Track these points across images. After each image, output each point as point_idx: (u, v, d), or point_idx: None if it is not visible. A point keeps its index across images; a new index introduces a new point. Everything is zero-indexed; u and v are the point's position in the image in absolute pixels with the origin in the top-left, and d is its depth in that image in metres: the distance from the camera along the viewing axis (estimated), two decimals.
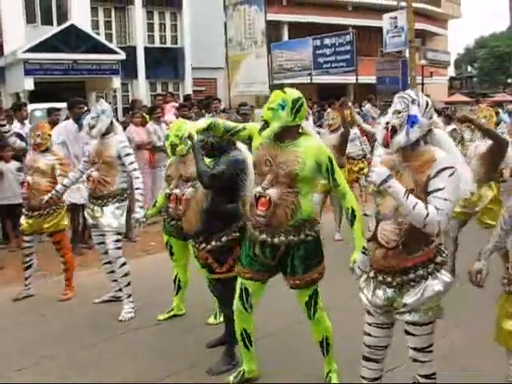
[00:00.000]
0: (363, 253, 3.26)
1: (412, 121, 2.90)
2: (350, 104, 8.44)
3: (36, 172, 5.74)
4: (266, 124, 3.52)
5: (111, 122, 5.36)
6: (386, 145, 2.92)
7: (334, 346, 3.83)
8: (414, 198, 2.77)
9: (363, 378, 3.27)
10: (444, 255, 3.03)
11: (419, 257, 2.93)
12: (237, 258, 3.95)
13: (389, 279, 2.96)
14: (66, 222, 5.96)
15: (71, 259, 6.04)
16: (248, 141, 3.80)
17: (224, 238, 4.03)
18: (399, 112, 2.91)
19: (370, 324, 3.14)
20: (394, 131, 2.90)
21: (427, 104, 2.95)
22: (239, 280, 3.78)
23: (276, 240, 3.54)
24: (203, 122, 3.78)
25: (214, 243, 4.06)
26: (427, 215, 2.73)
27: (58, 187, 5.62)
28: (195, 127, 3.77)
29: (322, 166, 3.49)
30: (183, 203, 4.13)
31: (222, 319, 4.80)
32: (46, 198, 5.61)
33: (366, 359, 3.21)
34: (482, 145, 5.65)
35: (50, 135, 5.86)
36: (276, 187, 3.49)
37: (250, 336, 3.85)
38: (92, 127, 5.27)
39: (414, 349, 3.04)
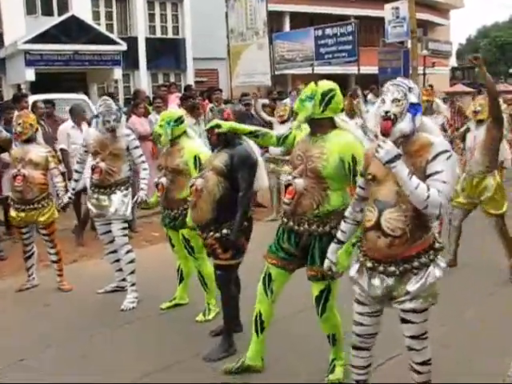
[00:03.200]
0: (336, 242, 3.31)
1: (415, 109, 2.93)
2: (359, 93, 8.56)
3: (29, 164, 5.61)
4: (297, 116, 3.59)
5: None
6: (387, 134, 2.90)
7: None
8: (417, 179, 2.80)
9: (354, 367, 3.31)
10: (440, 241, 3.07)
11: (422, 244, 2.95)
12: (242, 247, 4.06)
13: (391, 268, 2.96)
14: (57, 214, 5.92)
15: (60, 250, 6.02)
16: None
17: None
18: (399, 100, 2.91)
19: (361, 313, 3.16)
20: (394, 120, 2.90)
21: (419, 92, 3.02)
22: (266, 265, 3.81)
23: (301, 228, 3.58)
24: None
25: (224, 231, 4.12)
26: (428, 196, 2.78)
27: (73, 185, 5.59)
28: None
29: (344, 163, 3.47)
30: (194, 193, 4.14)
31: (210, 317, 4.92)
32: (65, 200, 5.55)
33: (358, 348, 3.25)
34: (480, 134, 5.65)
35: (31, 125, 5.64)
36: (305, 178, 3.53)
37: (263, 322, 3.85)
38: (108, 123, 5.26)
39: (412, 337, 3.06)
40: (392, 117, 2.90)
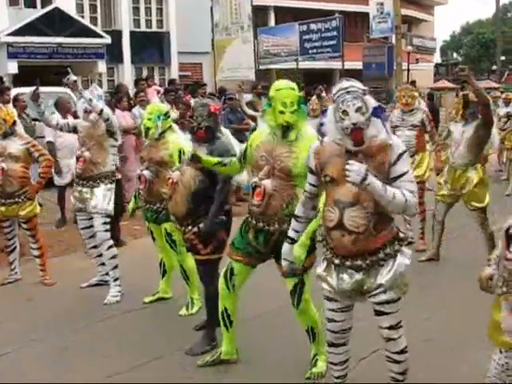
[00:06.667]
0: (289, 242, 3.34)
1: (379, 110, 2.94)
2: (323, 95, 8.57)
3: (9, 158, 5.55)
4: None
5: None
6: (360, 144, 2.88)
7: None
8: (390, 187, 2.85)
9: (333, 364, 3.35)
10: (402, 230, 3.13)
11: (386, 235, 3.00)
12: (222, 241, 4.08)
13: (358, 262, 3.00)
14: (38, 209, 5.88)
15: (44, 244, 6.00)
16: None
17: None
18: (361, 108, 2.88)
19: (333, 310, 3.19)
20: (363, 128, 2.88)
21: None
22: (228, 260, 3.84)
23: (271, 228, 3.60)
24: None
25: (201, 225, 4.12)
26: (406, 201, 2.85)
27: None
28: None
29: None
30: (170, 186, 4.15)
31: (193, 311, 4.93)
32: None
33: (334, 345, 3.28)
34: (469, 130, 5.71)
35: (5, 120, 5.54)
36: (273, 179, 3.53)
37: (230, 316, 3.89)
38: (89, 112, 5.26)
39: (389, 327, 3.09)
40: (362, 126, 2.87)
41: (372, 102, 2.94)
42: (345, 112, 2.87)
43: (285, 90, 3.56)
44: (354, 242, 2.94)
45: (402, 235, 3.09)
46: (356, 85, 2.95)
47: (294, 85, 3.64)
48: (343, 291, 3.08)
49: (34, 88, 5.33)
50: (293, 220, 3.33)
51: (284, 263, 3.39)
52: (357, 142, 2.88)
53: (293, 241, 3.34)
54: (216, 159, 3.88)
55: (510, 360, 2.76)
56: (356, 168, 2.79)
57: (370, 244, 2.96)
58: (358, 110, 2.87)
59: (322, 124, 3.13)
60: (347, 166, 2.82)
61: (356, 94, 2.90)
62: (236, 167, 3.88)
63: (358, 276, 3.01)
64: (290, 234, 3.34)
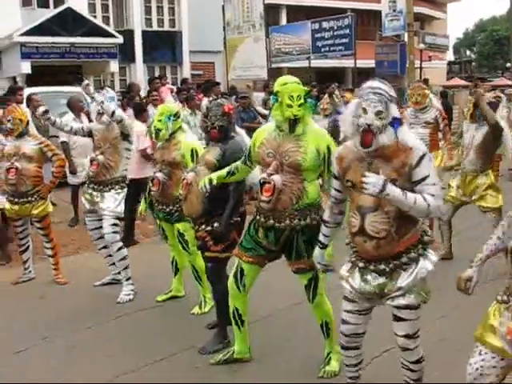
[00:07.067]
0: (320, 247, 3.35)
1: (397, 123, 2.90)
2: (337, 92, 8.51)
3: (22, 158, 5.59)
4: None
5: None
6: (367, 146, 2.88)
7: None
8: (411, 193, 2.82)
9: (346, 365, 3.37)
10: (429, 234, 3.09)
11: (409, 239, 2.97)
12: (233, 241, 4.09)
13: (382, 267, 2.98)
14: (51, 208, 5.91)
15: (57, 243, 6.03)
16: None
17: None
18: (381, 113, 2.85)
19: (350, 311, 3.17)
20: (376, 132, 2.86)
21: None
22: (237, 260, 3.83)
23: (282, 224, 3.58)
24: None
25: (216, 224, 4.13)
26: (428, 205, 2.82)
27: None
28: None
29: (320, 154, 3.52)
30: (184, 187, 4.16)
31: (206, 309, 4.94)
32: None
33: (346, 348, 3.28)
34: (479, 135, 5.67)
35: (21, 120, 5.61)
36: (281, 174, 3.53)
37: (241, 316, 3.89)
38: (102, 113, 5.29)
39: (405, 336, 3.05)
40: (375, 130, 2.86)
41: (394, 112, 2.91)
42: (364, 110, 2.87)
43: (291, 84, 3.56)
44: (376, 247, 2.93)
45: (426, 238, 3.04)
46: (385, 88, 2.91)
47: (298, 80, 3.63)
48: (364, 293, 3.06)
49: (42, 109, 5.41)
50: (322, 225, 3.34)
51: (319, 266, 3.42)
52: (364, 144, 2.88)
53: (323, 245, 3.35)
54: (224, 171, 3.88)
55: (484, 363, 2.69)
56: (373, 180, 2.78)
57: (392, 249, 2.94)
58: (378, 113, 2.85)
59: (336, 120, 3.13)
60: (363, 179, 2.80)
61: (381, 97, 2.87)
62: (244, 170, 3.88)
63: (381, 280, 3.00)
64: (321, 238, 3.35)
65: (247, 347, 4.02)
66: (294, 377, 3.82)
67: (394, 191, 2.79)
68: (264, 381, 3.79)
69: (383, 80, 3.02)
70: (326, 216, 3.30)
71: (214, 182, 3.82)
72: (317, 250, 3.38)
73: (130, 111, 8.78)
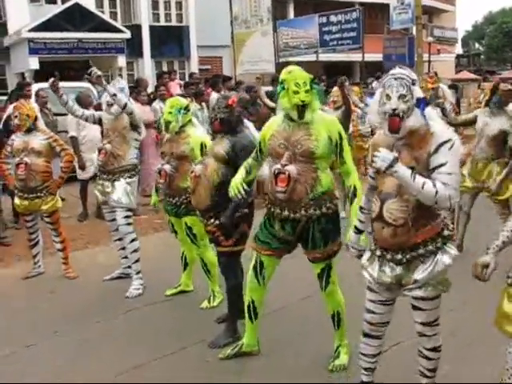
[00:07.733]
0: (356, 232, 3.31)
1: (423, 103, 2.90)
2: (346, 84, 8.44)
3: (31, 153, 5.60)
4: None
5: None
6: (396, 131, 2.87)
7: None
8: (421, 177, 2.78)
9: (363, 354, 3.33)
10: (450, 228, 3.05)
11: (428, 231, 2.94)
12: (244, 233, 4.10)
13: (398, 257, 2.97)
14: (60, 203, 5.93)
15: (67, 238, 6.06)
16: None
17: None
18: (405, 96, 2.86)
19: (373, 301, 3.17)
20: (402, 116, 2.86)
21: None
22: (255, 253, 3.83)
23: (297, 215, 3.58)
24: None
25: (222, 218, 4.11)
26: (436, 193, 2.77)
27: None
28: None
29: (332, 140, 3.53)
30: (193, 180, 4.16)
31: (215, 304, 4.94)
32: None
33: (368, 336, 3.26)
34: (491, 125, 5.64)
35: (28, 115, 5.61)
36: (295, 164, 3.52)
37: (256, 309, 3.89)
38: (111, 105, 5.31)
39: (422, 323, 3.07)
40: (401, 114, 2.85)
41: (418, 93, 2.91)
42: (388, 96, 2.88)
43: (296, 71, 3.57)
44: (392, 234, 2.92)
45: (446, 233, 3.00)
46: (406, 73, 2.93)
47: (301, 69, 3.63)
48: (383, 283, 3.05)
49: (52, 79, 5.34)
50: (358, 211, 3.31)
51: (352, 251, 3.37)
52: (393, 129, 2.88)
53: (359, 231, 3.33)
54: (243, 172, 3.86)
55: None
56: (384, 155, 2.79)
57: (409, 239, 2.92)
58: (401, 97, 2.86)
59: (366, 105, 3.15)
60: (375, 153, 2.83)
61: (403, 81, 2.88)
62: (256, 165, 3.89)
63: (398, 270, 2.99)
64: (357, 224, 3.31)
65: (256, 340, 4.03)
66: (303, 371, 3.82)
67: (403, 170, 2.78)
68: (271, 376, 3.79)
69: (402, 66, 3.04)
70: (362, 203, 3.27)
71: (244, 185, 3.82)
72: (352, 236, 3.35)
73: (138, 105, 8.81)
